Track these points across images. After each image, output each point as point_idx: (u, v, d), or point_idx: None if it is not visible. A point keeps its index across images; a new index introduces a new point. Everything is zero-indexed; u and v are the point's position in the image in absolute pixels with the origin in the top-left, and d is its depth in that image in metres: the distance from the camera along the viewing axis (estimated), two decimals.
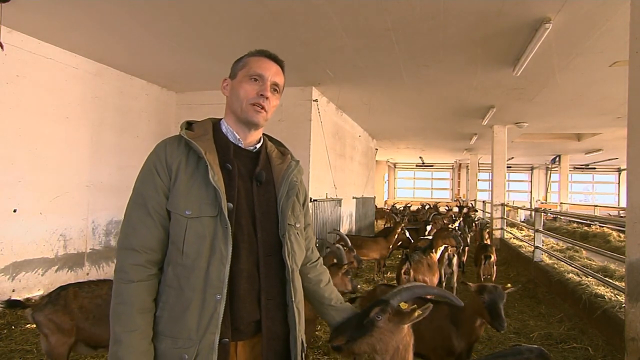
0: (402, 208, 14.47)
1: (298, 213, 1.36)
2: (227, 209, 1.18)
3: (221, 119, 1.36)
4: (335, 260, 3.51)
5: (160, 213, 1.19)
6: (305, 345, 1.32)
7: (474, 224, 10.20)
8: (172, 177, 1.20)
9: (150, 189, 1.20)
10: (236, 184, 1.24)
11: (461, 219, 9.49)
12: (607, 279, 4.47)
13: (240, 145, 1.31)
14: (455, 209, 13.24)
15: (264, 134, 1.40)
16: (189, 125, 1.30)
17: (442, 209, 14.35)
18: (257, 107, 1.27)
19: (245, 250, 1.22)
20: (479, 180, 19.03)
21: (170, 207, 1.19)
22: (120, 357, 1.10)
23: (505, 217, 9.91)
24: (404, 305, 1.43)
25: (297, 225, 1.34)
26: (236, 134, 1.31)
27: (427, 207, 16.07)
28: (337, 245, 3.81)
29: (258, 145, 1.36)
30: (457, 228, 7.31)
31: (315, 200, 6.75)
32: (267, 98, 1.28)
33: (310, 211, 6.49)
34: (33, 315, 2.56)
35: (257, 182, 1.29)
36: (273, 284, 1.26)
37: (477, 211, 14.69)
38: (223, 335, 1.15)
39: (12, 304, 2.71)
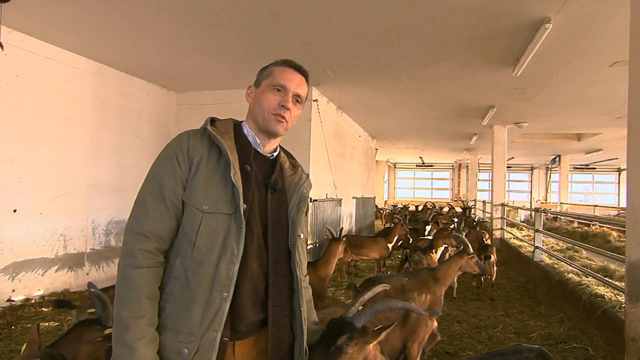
0: (400, 208, 14.48)
1: (303, 225, 1.39)
2: (242, 208, 1.19)
3: (242, 121, 1.38)
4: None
5: (176, 203, 1.19)
6: (308, 352, 1.33)
7: (474, 224, 10.20)
8: (191, 170, 1.21)
9: (169, 177, 1.19)
10: (252, 186, 1.26)
11: (462, 219, 9.50)
12: (607, 279, 4.46)
13: (259, 150, 1.34)
14: (459, 209, 13.23)
15: (278, 145, 1.43)
16: (212, 121, 1.32)
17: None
18: (278, 117, 1.29)
19: (253, 252, 1.23)
20: (479, 180, 19.03)
21: (187, 199, 1.19)
22: (128, 343, 1.08)
23: (505, 217, 9.91)
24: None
25: (302, 236, 1.37)
26: (257, 139, 1.33)
27: (420, 207, 16.02)
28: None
29: (275, 154, 1.39)
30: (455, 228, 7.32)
31: (315, 200, 6.75)
32: (288, 109, 1.30)
33: (311, 210, 6.53)
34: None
35: (272, 190, 1.31)
36: (281, 291, 1.28)
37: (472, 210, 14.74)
38: (222, 335, 1.15)
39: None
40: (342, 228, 5.26)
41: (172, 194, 1.19)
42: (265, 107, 1.29)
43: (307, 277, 1.54)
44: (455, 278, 5.43)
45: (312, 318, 1.49)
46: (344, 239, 4.70)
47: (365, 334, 1.43)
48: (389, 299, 1.54)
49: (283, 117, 1.29)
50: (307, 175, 1.45)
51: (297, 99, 1.33)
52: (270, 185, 1.31)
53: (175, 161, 1.21)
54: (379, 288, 1.55)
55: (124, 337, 1.09)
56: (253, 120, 1.34)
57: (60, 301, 2.67)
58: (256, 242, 1.24)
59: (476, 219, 11.97)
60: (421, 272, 3.77)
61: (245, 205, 1.21)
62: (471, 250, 3.94)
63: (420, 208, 15.85)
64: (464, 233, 7.02)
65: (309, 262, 4.51)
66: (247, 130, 1.34)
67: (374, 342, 1.44)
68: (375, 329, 1.45)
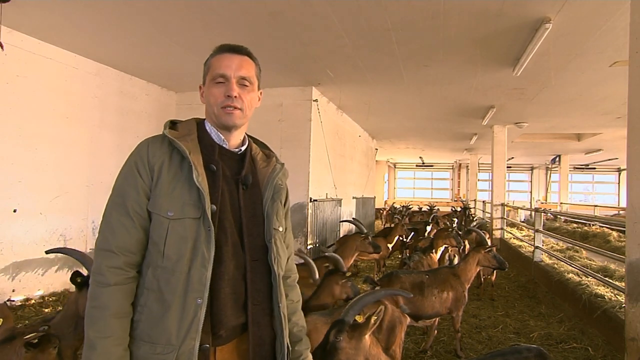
0: (400, 208, 14.46)
1: (281, 217, 1.34)
2: (211, 210, 1.15)
3: (204, 118, 1.34)
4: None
5: (140, 214, 1.16)
6: (290, 349, 1.30)
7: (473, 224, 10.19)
8: (154, 177, 1.17)
9: (130, 189, 1.16)
10: (220, 185, 1.21)
11: (462, 219, 9.50)
12: (607, 279, 4.46)
13: (225, 146, 1.28)
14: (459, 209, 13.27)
15: (249, 136, 1.37)
16: (172, 124, 1.27)
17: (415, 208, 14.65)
18: (227, 109, 1.23)
19: (228, 253, 1.19)
20: (479, 180, 19.02)
21: (152, 207, 1.16)
22: None
23: (505, 217, 9.91)
24: (359, 318, 1.44)
25: (280, 229, 1.32)
26: (220, 135, 1.28)
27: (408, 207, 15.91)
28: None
29: (243, 148, 1.33)
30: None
31: (315, 200, 6.75)
32: (235, 97, 1.23)
33: (311, 210, 6.53)
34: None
35: (243, 186, 1.26)
36: (259, 289, 1.24)
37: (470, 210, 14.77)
38: (203, 341, 1.12)
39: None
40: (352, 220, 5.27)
41: (136, 205, 1.15)
42: (213, 103, 1.23)
43: (296, 275, 1.47)
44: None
45: (300, 323, 1.39)
46: (364, 235, 4.62)
47: (357, 327, 1.42)
48: (373, 291, 1.55)
49: (233, 107, 1.23)
50: (282, 164, 1.38)
51: (243, 82, 1.24)
52: (241, 181, 1.26)
53: (135, 172, 1.17)
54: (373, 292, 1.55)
55: (90, 357, 1.07)
56: (209, 119, 1.29)
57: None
58: (231, 243, 1.20)
59: (475, 219, 11.95)
60: (441, 270, 3.83)
61: (214, 207, 1.17)
62: (488, 243, 3.97)
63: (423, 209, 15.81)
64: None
65: (324, 256, 4.38)
66: (210, 127, 1.29)
67: (368, 332, 1.43)
68: (365, 318, 1.45)
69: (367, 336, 1.43)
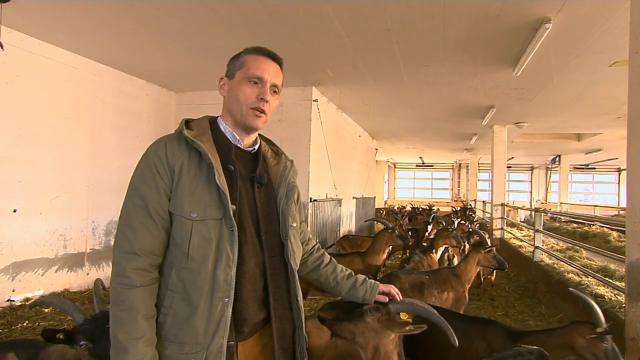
0: (400, 208, 14.47)
1: (294, 212, 1.37)
2: (232, 211, 1.17)
3: (217, 117, 1.34)
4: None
5: (162, 215, 1.16)
6: (306, 338, 1.34)
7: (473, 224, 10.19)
8: (174, 178, 1.16)
9: (151, 190, 1.15)
10: (238, 185, 1.22)
11: (462, 219, 9.49)
12: (607, 279, 4.46)
13: (239, 146, 1.30)
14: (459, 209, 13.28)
15: (257, 134, 1.39)
16: (186, 123, 1.28)
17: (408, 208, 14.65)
18: (257, 111, 1.24)
19: (249, 252, 1.21)
20: (479, 180, 19.02)
21: (174, 209, 1.16)
22: None
23: (505, 217, 9.91)
24: (403, 316, 1.44)
25: (294, 225, 1.35)
26: (235, 135, 1.29)
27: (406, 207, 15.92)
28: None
29: (256, 147, 1.35)
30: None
31: (315, 200, 6.75)
32: (267, 101, 1.25)
33: (311, 210, 6.53)
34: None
35: (258, 185, 1.28)
36: (279, 284, 1.27)
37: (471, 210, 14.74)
38: (229, 339, 1.14)
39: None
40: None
41: (158, 207, 1.15)
42: (243, 101, 1.24)
43: (318, 244, 1.57)
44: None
45: (341, 271, 1.50)
46: (390, 230, 4.73)
47: (394, 319, 1.43)
48: (430, 310, 1.48)
49: (262, 111, 1.24)
50: (292, 161, 1.41)
51: (275, 89, 1.28)
52: (257, 180, 1.28)
53: (155, 172, 1.16)
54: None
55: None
56: (230, 115, 1.29)
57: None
58: (250, 242, 1.22)
59: (475, 219, 11.95)
60: (442, 270, 3.81)
61: (234, 207, 1.18)
62: (488, 243, 3.98)
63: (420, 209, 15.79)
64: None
65: (358, 252, 4.80)
66: (224, 127, 1.30)
67: (396, 332, 1.42)
68: (403, 320, 1.44)
69: (392, 333, 1.43)
